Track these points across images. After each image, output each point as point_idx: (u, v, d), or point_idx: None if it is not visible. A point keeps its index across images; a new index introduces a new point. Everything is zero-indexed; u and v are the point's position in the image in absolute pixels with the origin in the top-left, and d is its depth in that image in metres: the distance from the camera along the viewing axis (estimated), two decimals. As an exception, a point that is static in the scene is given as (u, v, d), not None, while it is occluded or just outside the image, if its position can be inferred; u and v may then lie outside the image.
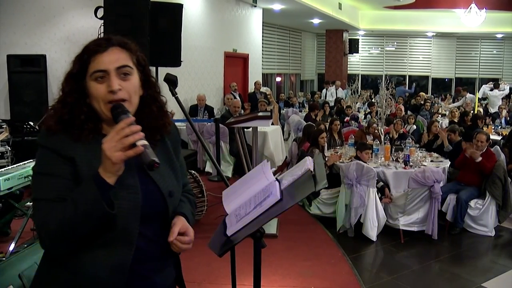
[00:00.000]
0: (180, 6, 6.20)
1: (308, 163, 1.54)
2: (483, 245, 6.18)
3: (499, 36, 21.20)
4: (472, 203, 6.35)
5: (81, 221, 1.44)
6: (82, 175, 1.51)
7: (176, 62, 6.26)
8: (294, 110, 13.97)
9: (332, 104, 14.84)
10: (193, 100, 10.58)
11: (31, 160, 5.17)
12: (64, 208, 1.45)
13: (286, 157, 8.97)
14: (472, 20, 16.41)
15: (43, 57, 7.53)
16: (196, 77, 10.63)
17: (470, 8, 16.23)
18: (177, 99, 1.92)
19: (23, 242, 4.91)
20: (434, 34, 21.43)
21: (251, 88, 14.17)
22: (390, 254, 5.74)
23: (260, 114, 5.35)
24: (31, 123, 6.61)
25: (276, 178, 1.59)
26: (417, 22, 20.07)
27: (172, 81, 1.83)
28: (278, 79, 19.88)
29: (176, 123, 6.70)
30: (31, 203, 5.17)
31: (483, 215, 6.32)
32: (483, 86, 16.24)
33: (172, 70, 5.80)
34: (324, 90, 17.97)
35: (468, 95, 15.57)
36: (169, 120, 1.76)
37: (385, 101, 7.67)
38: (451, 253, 5.87)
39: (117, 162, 1.42)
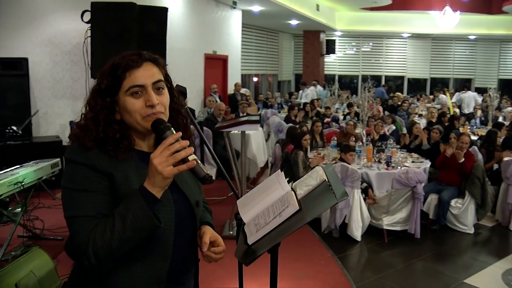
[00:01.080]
0: (165, 10, 6.21)
1: (321, 173, 1.61)
2: (463, 242, 6.36)
3: (472, 37, 21.64)
4: (453, 202, 6.55)
5: (130, 236, 1.46)
6: (120, 190, 1.54)
7: (162, 66, 6.27)
8: (273, 111, 14.01)
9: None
10: (175, 102, 10.59)
11: (18, 166, 5.14)
12: (111, 224, 1.45)
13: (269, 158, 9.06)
14: (447, 22, 16.74)
15: (25, 60, 7.49)
16: (177, 79, 10.29)
17: (445, 11, 16.55)
18: (187, 109, 1.96)
19: (11, 249, 4.90)
20: (410, 35, 21.75)
21: (230, 89, 14.22)
22: (375, 254, 5.87)
23: (249, 118, 5.39)
24: (14, 128, 6.53)
25: (292, 188, 1.66)
26: (393, 23, 20.38)
27: (182, 93, 1.87)
28: (255, 79, 19.93)
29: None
30: (19, 210, 5.19)
31: (463, 214, 6.52)
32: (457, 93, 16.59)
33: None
34: (300, 92, 18.01)
35: (441, 96, 15.88)
36: (191, 132, 1.80)
37: (367, 103, 7.79)
38: (434, 251, 6.03)
39: (168, 176, 1.45)
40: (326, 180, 1.56)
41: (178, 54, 10.45)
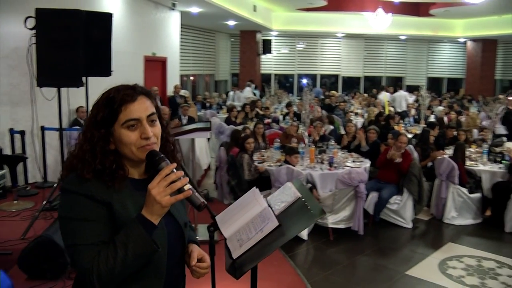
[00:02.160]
0: (110, 15, 6.18)
1: (294, 190, 1.77)
2: (403, 236, 6.74)
3: (402, 37, 22.57)
4: (392, 199, 6.91)
5: (132, 262, 1.55)
6: (118, 217, 1.63)
7: (107, 72, 6.25)
8: (212, 112, 14.02)
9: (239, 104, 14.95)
10: (116, 106, 10.47)
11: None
12: (113, 252, 1.54)
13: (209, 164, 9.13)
14: (379, 23, 17.40)
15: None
16: (118, 83, 10.48)
17: (377, 12, 17.21)
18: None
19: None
20: (344, 35, 22.35)
21: (169, 91, 14.17)
22: (321, 251, 6.12)
23: (199, 126, 5.48)
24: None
25: (268, 204, 1.81)
26: (328, 24, 20.90)
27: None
28: (191, 78, 19.83)
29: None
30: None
31: (402, 210, 6.90)
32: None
33: (100, 79, 5.79)
34: (231, 93, 17.90)
35: (380, 96, 16.45)
36: (178, 159, 1.90)
37: (308, 105, 8.04)
38: (376, 246, 6.37)
39: (166, 205, 1.56)
40: (301, 196, 1.71)
41: (118, 57, 10.27)
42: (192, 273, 1.86)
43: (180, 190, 1.58)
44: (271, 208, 1.77)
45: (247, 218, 1.77)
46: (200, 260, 1.84)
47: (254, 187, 1.90)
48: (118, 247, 1.55)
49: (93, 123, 1.69)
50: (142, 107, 1.70)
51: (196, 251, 1.85)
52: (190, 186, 1.61)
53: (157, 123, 1.75)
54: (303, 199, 1.71)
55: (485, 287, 5.14)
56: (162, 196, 1.55)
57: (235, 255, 1.69)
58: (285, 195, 1.80)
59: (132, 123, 1.67)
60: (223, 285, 4.42)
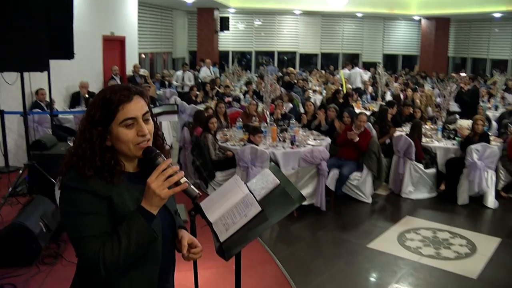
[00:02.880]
0: (71, -1, 6.12)
1: (273, 177, 1.90)
2: (363, 211, 7.03)
3: (359, 15, 22.85)
4: (352, 175, 7.15)
5: (135, 250, 1.69)
6: (118, 210, 1.74)
7: (70, 55, 6.19)
8: (172, 91, 13.93)
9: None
10: (75, 87, 10.35)
11: None
12: (118, 242, 1.67)
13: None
14: (336, 0, 17.57)
15: None
16: (76, 63, 10.34)
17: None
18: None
19: None
20: (301, 12, 22.46)
21: (128, 70, 14.01)
22: (285, 228, 6.30)
23: (167, 109, 5.51)
24: None
25: (249, 189, 1.93)
26: (285, 1, 20.96)
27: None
28: (143, 55, 19.48)
29: (65, 115, 6.61)
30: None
31: (362, 185, 7.16)
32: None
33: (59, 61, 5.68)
34: (179, 72, 16.59)
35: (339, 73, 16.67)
36: (168, 151, 2.00)
37: (270, 86, 8.14)
38: (338, 222, 6.63)
39: (165, 198, 1.70)
40: (280, 183, 1.85)
41: (77, 37, 10.09)
42: (185, 258, 1.98)
43: (177, 183, 1.71)
44: (253, 194, 1.90)
45: (230, 204, 1.91)
46: (190, 245, 1.96)
47: (236, 175, 2.02)
48: (122, 237, 1.67)
49: (91, 122, 1.78)
50: (138, 106, 1.80)
51: (186, 237, 1.97)
52: (186, 179, 1.74)
53: (150, 120, 1.86)
54: (282, 186, 1.84)
55: (440, 256, 5.48)
56: (161, 190, 1.68)
57: (222, 238, 1.82)
58: (265, 181, 1.93)
59: (129, 122, 1.77)
60: (207, 266, 4.58)
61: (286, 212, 1.83)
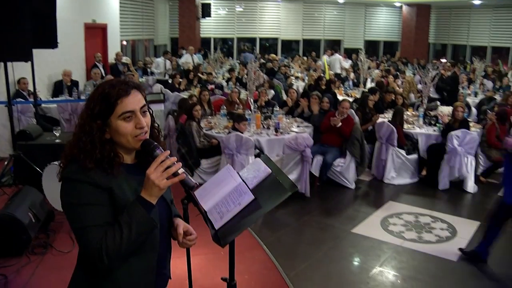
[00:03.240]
0: (54, -13, 6.09)
1: (264, 166, 1.97)
2: (347, 197, 7.17)
3: (340, 1, 22.91)
4: (336, 161, 7.27)
5: (136, 239, 1.76)
6: (118, 200, 1.81)
7: (53, 44, 6.18)
8: (154, 78, 13.88)
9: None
10: (57, 75, 10.28)
11: None
12: (119, 231, 1.73)
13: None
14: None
15: None
16: (58, 52, 10.29)
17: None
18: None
19: None
20: (283, -2, 22.48)
21: (110, 58, 13.94)
22: (270, 214, 6.34)
23: (153, 98, 5.55)
24: None
25: (241, 178, 2.01)
26: (267, -13, 20.96)
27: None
28: (124, 43, 19.31)
29: (48, 104, 6.60)
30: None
31: (345, 171, 7.28)
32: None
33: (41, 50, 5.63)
34: (159, 59, 16.38)
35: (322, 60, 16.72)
36: (164, 142, 2.08)
37: (254, 74, 8.18)
38: (322, 207, 6.74)
39: (164, 188, 1.77)
40: (272, 172, 1.93)
41: (59, 25, 10.04)
42: (181, 245, 2.07)
43: (175, 174, 1.79)
44: (245, 183, 1.98)
45: (224, 193, 1.99)
46: (185, 233, 2.05)
47: (228, 165, 2.10)
48: (123, 227, 1.74)
49: (90, 116, 1.84)
50: (135, 100, 1.86)
51: (182, 226, 2.06)
52: (183, 170, 1.82)
53: (147, 113, 1.92)
54: (274, 175, 1.93)
55: (422, 240, 5.63)
56: (160, 180, 1.75)
57: (217, 226, 1.91)
58: (257, 170, 2.01)
59: (128, 115, 1.83)
60: (198, 253, 4.65)
61: (279, 200, 1.92)
